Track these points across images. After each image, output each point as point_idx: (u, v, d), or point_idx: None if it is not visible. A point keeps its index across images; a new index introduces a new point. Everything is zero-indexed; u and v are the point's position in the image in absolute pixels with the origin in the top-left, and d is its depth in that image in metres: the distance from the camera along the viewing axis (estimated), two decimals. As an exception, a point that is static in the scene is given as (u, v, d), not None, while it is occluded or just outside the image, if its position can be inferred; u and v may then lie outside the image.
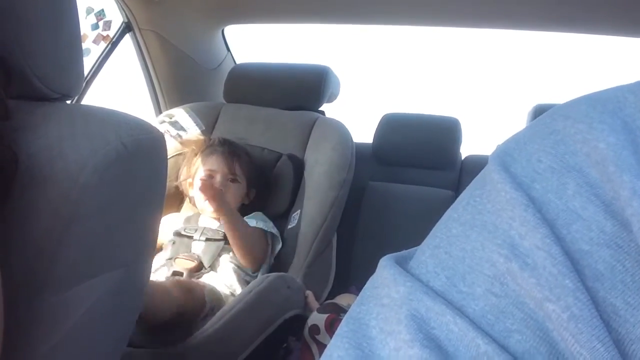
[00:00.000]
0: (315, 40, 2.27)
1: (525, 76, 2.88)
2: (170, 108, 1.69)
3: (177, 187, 1.47)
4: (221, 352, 1.05)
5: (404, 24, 1.73)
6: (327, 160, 1.43)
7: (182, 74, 1.82)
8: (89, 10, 1.59)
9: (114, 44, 1.65)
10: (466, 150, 1.74)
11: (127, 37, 1.71)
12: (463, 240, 0.21)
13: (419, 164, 1.69)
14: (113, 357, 0.61)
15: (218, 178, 1.37)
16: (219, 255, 1.31)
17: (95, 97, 1.60)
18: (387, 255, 0.23)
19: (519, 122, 1.97)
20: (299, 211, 1.40)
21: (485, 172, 0.22)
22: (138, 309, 0.64)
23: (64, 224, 0.48)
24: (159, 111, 1.82)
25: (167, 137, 1.06)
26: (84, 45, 1.54)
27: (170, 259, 1.29)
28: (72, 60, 0.57)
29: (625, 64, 2.05)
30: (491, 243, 0.20)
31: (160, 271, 1.26)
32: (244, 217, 1.36)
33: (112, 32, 1.64)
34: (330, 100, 1.67)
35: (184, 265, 1.26)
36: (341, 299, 1.29)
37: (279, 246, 1.39)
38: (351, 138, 1.50)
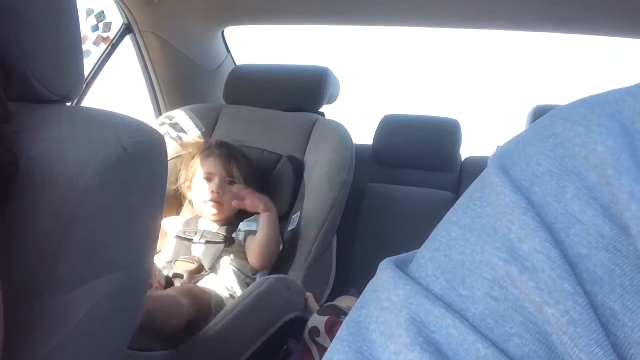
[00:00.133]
0: (315, 41, 2.27)
1: (525, 77, 2.88)
2: (171, 110, 1.68)
3: (176, 190, 1.47)
4: (222, 353, 1.05)
5: (403, 26, 1.73)
6: (327, 161, 1.42)
7: (182, 76, 1.82)
8: (89, 12, 1.59)
9: (114, 45, 1.65)
10: (466, 151, 1.74)
11: (127, 39, 1.71)
12: (463, 244, 0.21)
13: (419, 166, 1.69)
14: (114, 360, 0.61)
15: (216, 181, 1.37)
16: (219, 257, 1.31)
17: (95, 99, 1.60)
18: (387, 259, 0.23)
19: (519, 124, 1.97)
20: (299, 213, 1.40)
21: (485, 176, 0.22)
22: (138, 312, 0.64)
23: (65, 227, 0.48)
24: (159, 113, 1.82)
25: (167, 139, 1.06)
26: (84, 47, 1.53)
27: (170, 261, 1.29)
28: (73, 62, 0.57)
29: (625, 65, 2.05)
30: (491, 247, 0.20)
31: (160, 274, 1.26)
32: (245, 220, 1.36)
33: (112, 34, 1.65)
34: (330, 102, 1.67)
35: (184, 267, 1.26)
36: (341, 301, 1.29)
37: (280, 248, 1.39)
38: (351, 139, 1.50)
